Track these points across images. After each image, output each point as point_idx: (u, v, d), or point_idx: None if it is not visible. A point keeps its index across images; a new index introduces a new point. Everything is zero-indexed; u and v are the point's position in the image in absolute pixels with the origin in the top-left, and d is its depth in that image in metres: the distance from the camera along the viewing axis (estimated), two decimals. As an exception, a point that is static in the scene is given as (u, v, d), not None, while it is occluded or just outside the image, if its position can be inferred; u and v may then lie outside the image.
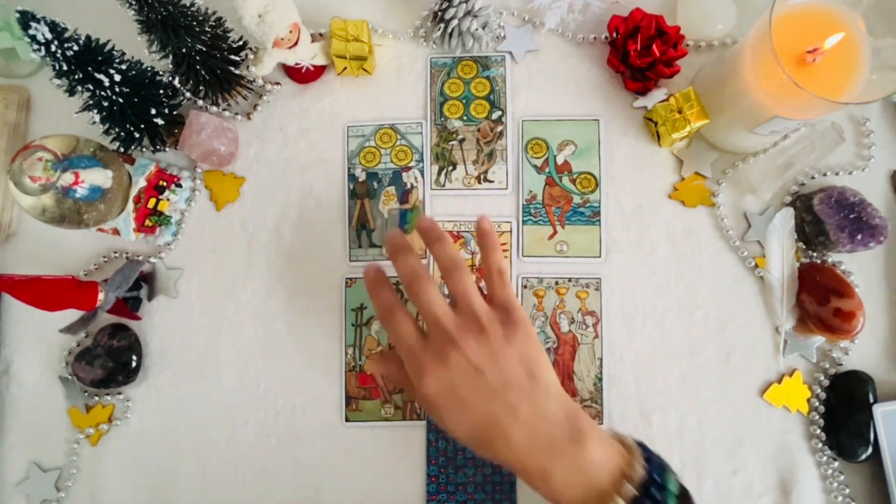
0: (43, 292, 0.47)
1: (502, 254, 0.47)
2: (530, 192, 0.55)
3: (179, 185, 0.55)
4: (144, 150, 0.55)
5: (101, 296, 0.50)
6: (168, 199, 0.54)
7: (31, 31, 0.40)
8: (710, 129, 0.54)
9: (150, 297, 0.56)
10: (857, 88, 0.44)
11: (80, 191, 0.47)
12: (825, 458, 0.51)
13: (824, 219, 0.51)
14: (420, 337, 0.42)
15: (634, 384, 0.53)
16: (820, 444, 0.51)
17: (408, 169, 0.56)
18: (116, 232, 0.53)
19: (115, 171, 0.49)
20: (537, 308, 0.54)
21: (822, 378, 0.52)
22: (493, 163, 0.56)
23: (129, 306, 0.54)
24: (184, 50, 0.48)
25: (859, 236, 0.50)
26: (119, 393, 0.55)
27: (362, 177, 0.56)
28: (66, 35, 0.42)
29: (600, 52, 0.57)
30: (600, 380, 0.53)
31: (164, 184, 0.54)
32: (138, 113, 0.50)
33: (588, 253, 0.54)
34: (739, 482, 0.51)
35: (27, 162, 0.46)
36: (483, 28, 0.55)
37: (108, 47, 0.46)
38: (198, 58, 0.50)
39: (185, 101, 0.56)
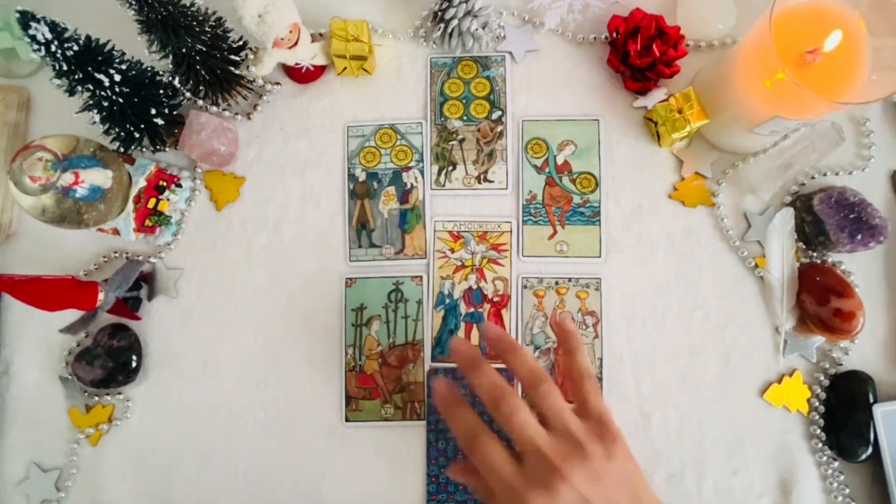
0: (43, 292, 0.47)
1: (587, 356, 0.44)
2: (530, 192, 0.55)
3: (179, 185, 0.55)
4: (144, 150, 0.55)
5: (101, 296, 0.50)
6: (168, 199, 0.54)
7: (31, 31, 0.40)
8: (710, 129, 0.54)
9: (150, 297, 0.56)
10: (857, 88, 0.44)
11: (80, 191, 0.47)
12: (825, 458, 0.51)
13: (824, 219, 0.51)
14: (514, 465, 0.38)
15: (634, 384, 0.53)
16: (820, 444, 0.51)
17: (408, 169, 0.56)
18: (116, 232, 0.53)
19: (115, 171, 0.49)
20: (537, 308, 0.54)
21: (822, 378, 0.52)
22: (493, 163, 0.56)
23: (129, 306, 0.54)
24: (184, 50, 0.48)
25: (859, 236, 0.50)
26: (119, 393, 0.55)
27: (362, 177, 0.56)
28: (66, 35, 0.42)
29: (600, 52, 0.57)
30: (600, 380, 0.53)
31: (164, 184, 0.54)
32: (138, 113, 0.50)
33: (588, 253, 0.54)
34: (739, 482, 0.51)
35: (27, 162, 0.46)
36: (483, 28, 0.55)
37: (108, 47, 0.46)
38: (198, 58, 0.50)
39: (185, 101, 0.56)
